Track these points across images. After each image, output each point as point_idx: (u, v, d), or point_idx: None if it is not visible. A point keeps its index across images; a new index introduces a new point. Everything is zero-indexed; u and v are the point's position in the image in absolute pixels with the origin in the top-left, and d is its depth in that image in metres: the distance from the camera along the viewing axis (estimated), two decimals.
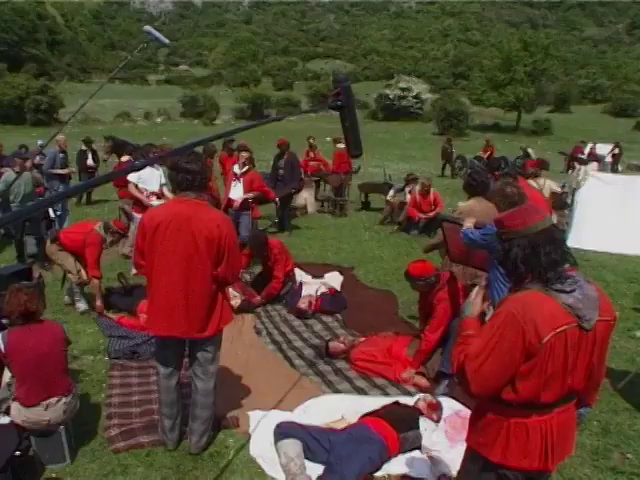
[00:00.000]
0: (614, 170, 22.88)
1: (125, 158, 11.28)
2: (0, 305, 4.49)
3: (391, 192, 13.14)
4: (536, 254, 2.36)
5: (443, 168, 23.15)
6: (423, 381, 5.50)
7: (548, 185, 10.05)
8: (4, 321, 4.62)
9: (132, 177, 8.42)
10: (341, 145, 14.56)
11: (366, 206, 14.90)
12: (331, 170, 15.01)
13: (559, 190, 10.84)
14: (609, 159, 24.81)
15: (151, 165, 8.50)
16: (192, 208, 3.88)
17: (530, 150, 21.06)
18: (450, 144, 23.19)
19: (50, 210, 9.64)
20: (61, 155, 11.56)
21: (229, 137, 12.64)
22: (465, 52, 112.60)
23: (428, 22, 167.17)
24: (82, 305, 7.08)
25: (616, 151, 24.81)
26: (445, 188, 16.59)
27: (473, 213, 5.81)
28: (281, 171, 12.38)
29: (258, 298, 7.57)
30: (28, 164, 9.24)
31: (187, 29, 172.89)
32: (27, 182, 9.02)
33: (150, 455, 4.24)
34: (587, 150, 24.11)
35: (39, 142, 13.23)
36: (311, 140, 15.75)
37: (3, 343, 3.89)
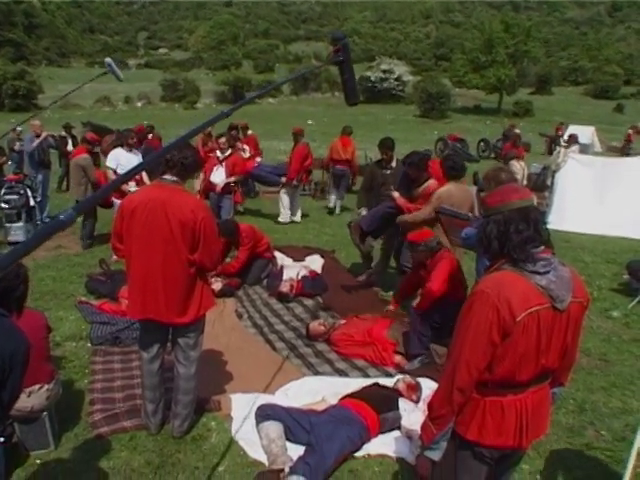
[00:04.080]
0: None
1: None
2: None
3: None
4: (508, 230, 2.38)
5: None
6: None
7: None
8: None
9: (111, 163, 8.42)
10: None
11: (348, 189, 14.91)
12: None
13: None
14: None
15: (129, 150, 8.57)
16: (168, 192, 3.88)
17: (517, 130, 20.98)
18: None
19: (30, 197, 9.60)
20: (37, 140, 11.42)
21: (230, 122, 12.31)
22: (447, 34, 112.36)
23: (410, 3, 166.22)
24: None
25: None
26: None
27: (452, 197, 5.87)
28: None
29: (213, 273, 7.21)
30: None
31: (166, 12, 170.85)
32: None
33: (133, 439, 4.26)
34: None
35: (18, 129, 13.01)
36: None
37: None
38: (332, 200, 12.91)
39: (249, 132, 14.02)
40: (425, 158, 6.92)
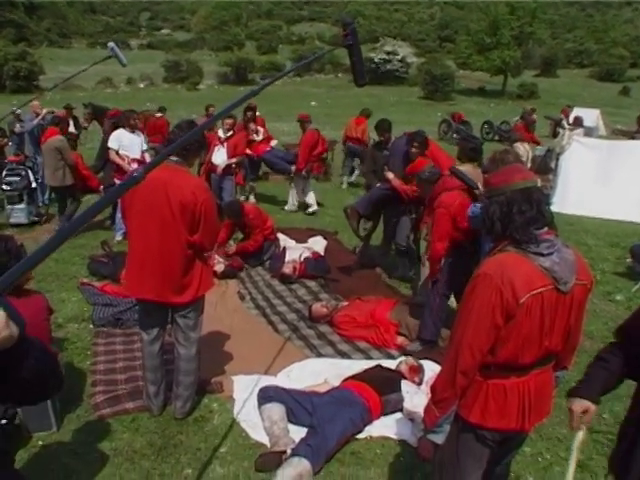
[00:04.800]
0: None
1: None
2: None
3: None
4: (511, 211, 2.36)
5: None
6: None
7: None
8: None
9: (113, 143, 8.35)
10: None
11: (351, 171, 14.83)
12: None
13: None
14: None
15: (132, 131, 8.48)
16: (169, 173, 3.82)
17: (534, 116, 20.58)
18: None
19: (32, 179, 9.57)
20: (37, 118, 11.40)
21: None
22: (451, 15, 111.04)
23: None
24: None
25: None
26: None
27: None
28: None
29: (233, 248, 7.82)
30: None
31: None
32: None
33: (135, 420, 4.27)
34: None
35: (17, 110, 12.90)
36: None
37: None
38: (345, 179, 13.72)
39: (257, 113, 13.82)
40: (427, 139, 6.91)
